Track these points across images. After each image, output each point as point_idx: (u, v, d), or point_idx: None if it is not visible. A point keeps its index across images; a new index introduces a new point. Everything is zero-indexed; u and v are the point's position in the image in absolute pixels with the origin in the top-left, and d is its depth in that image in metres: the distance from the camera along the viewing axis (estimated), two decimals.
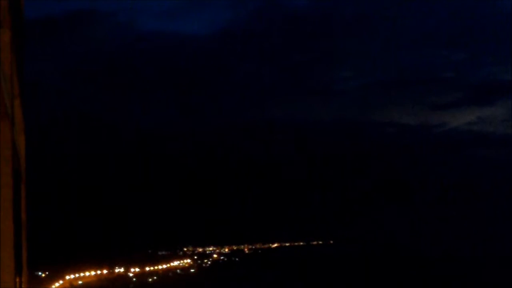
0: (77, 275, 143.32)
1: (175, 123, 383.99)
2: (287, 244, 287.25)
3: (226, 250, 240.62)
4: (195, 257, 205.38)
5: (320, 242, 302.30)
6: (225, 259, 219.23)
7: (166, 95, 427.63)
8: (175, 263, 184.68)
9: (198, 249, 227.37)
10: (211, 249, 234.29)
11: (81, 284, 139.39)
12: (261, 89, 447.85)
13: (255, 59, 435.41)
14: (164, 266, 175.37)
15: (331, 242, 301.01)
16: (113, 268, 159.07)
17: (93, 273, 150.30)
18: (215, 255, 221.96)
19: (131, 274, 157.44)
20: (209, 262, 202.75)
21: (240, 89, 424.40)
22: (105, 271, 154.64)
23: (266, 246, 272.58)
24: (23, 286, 10.91)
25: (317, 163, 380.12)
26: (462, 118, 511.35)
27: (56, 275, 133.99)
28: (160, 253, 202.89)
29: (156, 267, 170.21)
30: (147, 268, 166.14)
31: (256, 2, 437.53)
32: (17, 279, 8.90)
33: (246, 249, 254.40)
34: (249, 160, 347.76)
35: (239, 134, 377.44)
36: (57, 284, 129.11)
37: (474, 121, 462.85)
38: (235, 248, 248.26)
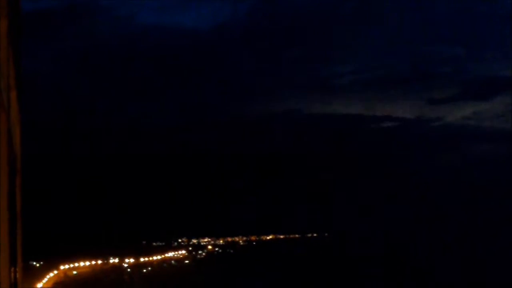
0: (71, 265, 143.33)
1: (173, 118, 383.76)
2: (282, 237, 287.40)
3: (221, 241, 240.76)
4: (190, 249, 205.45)
5: (315, 235, 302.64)
6: (220, 250, 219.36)
7: (166, 89, 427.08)
8: (170, 254, 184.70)
9: (193, 240, 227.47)
10: (206, 240, 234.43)
11: (75, 274, 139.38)
12: (260, 84, 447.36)
13: (254, 54, 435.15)
14: (159, 257, 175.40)
15: (326, 234, 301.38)
16: (108, 258, 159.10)
17: (87, 263, 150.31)
18: (209, 247, 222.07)
19: (125, 265, 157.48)
20: (203, 254, 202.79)
21: (239, 84, 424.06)
22: (99, 262, 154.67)
23: (261, 238, 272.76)
24: (18, 276, 10.95)
25: (315, 157, 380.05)
26: (459, 112, 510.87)
27: (51, 265, 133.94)
28: (154, 244, 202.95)
29: (150, 258, 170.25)
30: (142, 259, 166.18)
31: None
32: (12, 269, 8.94)
33: (241, 241, 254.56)
34: (247, 154, 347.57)
35: (237, 129, 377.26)
36: (51, 274, 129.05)
37: (470, 116, 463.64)
38: (230, 240, 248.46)
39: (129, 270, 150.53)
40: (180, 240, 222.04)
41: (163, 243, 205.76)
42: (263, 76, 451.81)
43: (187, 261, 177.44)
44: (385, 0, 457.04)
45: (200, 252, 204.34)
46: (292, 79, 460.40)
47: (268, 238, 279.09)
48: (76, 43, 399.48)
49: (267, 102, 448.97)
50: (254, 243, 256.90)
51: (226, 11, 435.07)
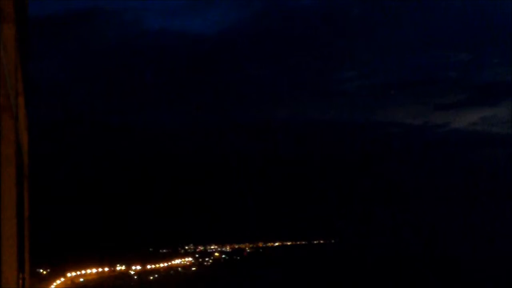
0: (78, 272, 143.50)
1: (178, 121, 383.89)
2: (289, 243, 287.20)
3: (228, 248, 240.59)
4: (197, 256, 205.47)
5: (322, 241, 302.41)
6: (227, 257, 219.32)
7: (170, 94, 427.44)
8: (177, 261, 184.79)
9: (199, 247, 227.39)
10: (212, 247, 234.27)
11: (82, 281, 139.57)
12: (264, 89, 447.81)
13: (259, 59, 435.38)
14: (166, 264, 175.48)
15: (333, 241, 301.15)
16: (115, 265, 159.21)
17: (94, 270, 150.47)
18: (216, 254, 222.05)
19: (132, 272, 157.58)
20: (210, 261, 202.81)
21: (244, 88, 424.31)
22: (106, 269, 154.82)
23: (267, 244, 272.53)
24: (26, 283, 10.90)
25: (320, 162, 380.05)
26: (466, 118, 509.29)
27: (58, 272, 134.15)
28: (161, 251, 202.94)
29: (157, 265, 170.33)
30: (149, 266, 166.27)
31: (261, 2, 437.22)
32: (20, 275, 8.88)
33: (247, 248, 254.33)
34: (251, 159, 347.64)
35: (241, 133, 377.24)
36: (58, 282, 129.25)
37: (477, 121, 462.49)
38: (236, 246, 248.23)
39: (136, 277, 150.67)
40: (187, 247, 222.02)
41: (170, 250, 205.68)
42: (267, 81, 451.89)
43: (194, 268, 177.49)
44: (390, 6, 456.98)
45: (207, 259, 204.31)
46: (296, 84, 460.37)
47: (275, 244, 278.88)
48: (81, 47, 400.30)
49: (271, 107, 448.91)
50: (261, 250, 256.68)
51: (232, 16, 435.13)
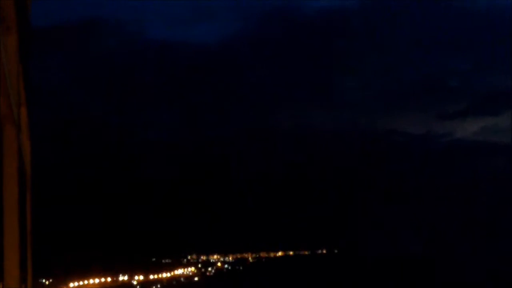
0: (81, 282, 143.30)
1: (180, 130, 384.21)
2: (291, 253, 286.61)
3: (230, 258, 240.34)
4: (199, 266, 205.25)
5: (324, 252, 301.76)
6: (229, 267, 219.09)
7: (173, 103, 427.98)
8: (179, 271, 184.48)
9: (202, 257, 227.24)
10: (215, 257, 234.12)
11: None
12: (265, 97, 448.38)
13: (260, 67, 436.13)
14: (168, 274, 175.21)
15: (336, 251, 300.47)
16: (117, 276, 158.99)
17: (97, 280, 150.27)
18: (219, 264, 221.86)
19: (135, 282, 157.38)
20: (213, 271, 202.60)
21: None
22: (109, 279, 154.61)
23: (270, 255, 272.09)
24: None
25: (323, 172, 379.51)
26: (468, 127, 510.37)
27: (60, 282, 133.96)
28: (164, 261, 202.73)
29: (160, 275, 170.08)
30: (151, 276, 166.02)
31: (263, 11, 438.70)
32: (23, 286, 8.88)
33: (250, 258, 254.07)
34: (254, 169, 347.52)
35: (243, 143, 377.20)
36: None
37: (479, 131, 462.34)
38: (239, 256, 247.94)
39: (138, 287, 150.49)
40: (189, 257, 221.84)
41: (173, 260, 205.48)
42: (268, 89, 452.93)
43: (196, 278, 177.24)
44: (392, 14, 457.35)
45: (209, 269, 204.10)
46: (298, 93, 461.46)
47: (277, 254, 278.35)
48: (84, 58, 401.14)
49: (273, 116, 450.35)
50: (263, 260, 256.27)
51: (234, 25, 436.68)
